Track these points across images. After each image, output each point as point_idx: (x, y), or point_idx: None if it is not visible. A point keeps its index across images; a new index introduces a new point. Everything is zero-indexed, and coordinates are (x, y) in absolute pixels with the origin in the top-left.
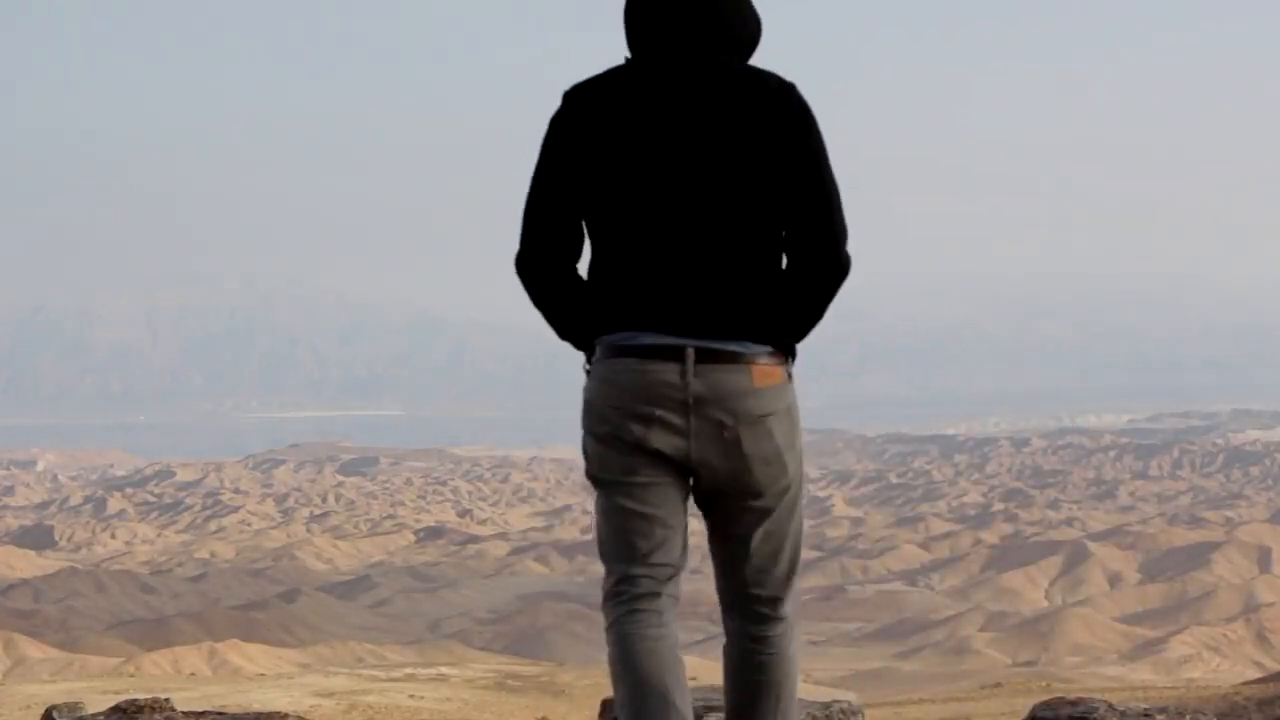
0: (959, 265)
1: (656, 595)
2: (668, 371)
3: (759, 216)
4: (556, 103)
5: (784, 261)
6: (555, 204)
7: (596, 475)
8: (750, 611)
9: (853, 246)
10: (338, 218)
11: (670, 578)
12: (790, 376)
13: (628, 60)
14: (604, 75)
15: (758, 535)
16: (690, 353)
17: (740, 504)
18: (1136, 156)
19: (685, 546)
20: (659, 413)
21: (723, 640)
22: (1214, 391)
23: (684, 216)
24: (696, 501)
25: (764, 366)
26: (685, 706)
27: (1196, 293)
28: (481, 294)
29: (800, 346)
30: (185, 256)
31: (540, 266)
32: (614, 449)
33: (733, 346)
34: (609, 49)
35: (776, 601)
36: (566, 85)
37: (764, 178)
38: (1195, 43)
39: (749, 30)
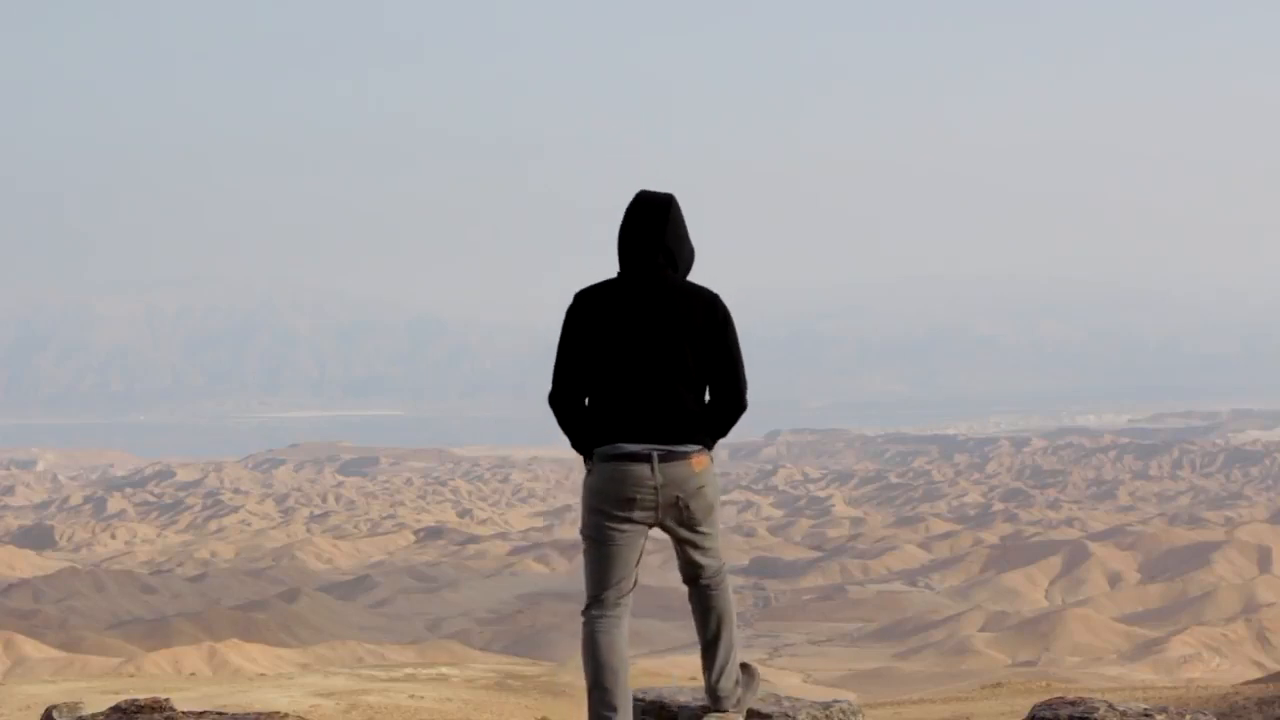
0: (959, 266)
1: (617, 604)
2: (642, 469)
3: (693, 375)
4: (558, 124)
5: (707, 397)
6: (573, 364)
7: (590, 535)
8: (703, 576)
9: (751, 394)
10: (338, 218)
11: (628, 594)
12: (711, 460)
13: (618, 274)
14: (601, 284)
15: (702, 543)
16: (655, 455)
17: (690, 531)
18: (1137, 158)
19: (637, 579)
20: (638, 496)
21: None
22: (1214, 391)
23: (648, 375)
24: (664, 531)
25: (698, 457)
26: (625, 676)
27: (1196, 293)
28: (481, 294)
29: (795, 353)
30: (185, 256)
31: (565, 402)
32: (606, 521)
33: (679, 448)
34: (605, 56)
35: (717, 568)
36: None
37: (697, 354)
38: (1194, 44)
39: (689, 259)
